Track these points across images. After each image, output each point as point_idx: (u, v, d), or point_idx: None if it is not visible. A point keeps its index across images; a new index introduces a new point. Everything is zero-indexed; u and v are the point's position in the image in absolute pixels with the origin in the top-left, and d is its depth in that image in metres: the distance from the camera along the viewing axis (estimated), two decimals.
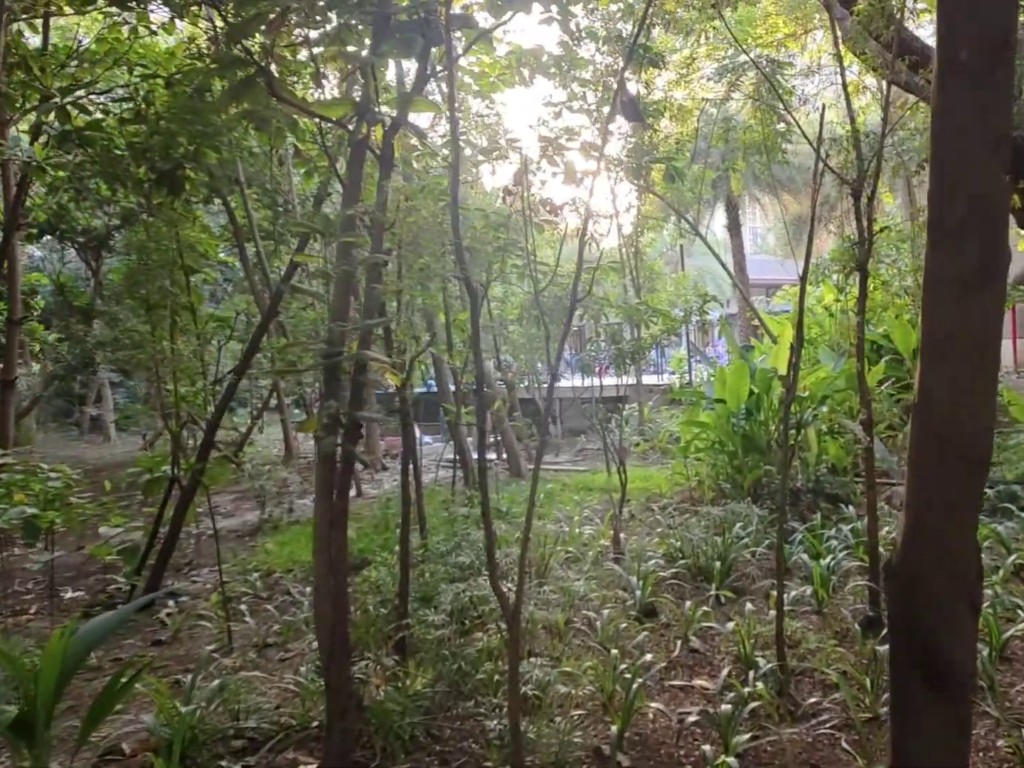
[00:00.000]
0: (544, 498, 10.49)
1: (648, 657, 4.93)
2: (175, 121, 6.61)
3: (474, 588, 5.78)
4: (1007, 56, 2.36)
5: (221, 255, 13.62)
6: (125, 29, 8.03)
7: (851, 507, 8.18)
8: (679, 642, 5.59)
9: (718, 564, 6.78)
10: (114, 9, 7.56)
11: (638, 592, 6.27)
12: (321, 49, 4.88)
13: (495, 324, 13.55)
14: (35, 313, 17.78)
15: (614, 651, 4.87)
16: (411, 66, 5.54)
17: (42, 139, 8.59)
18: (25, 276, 17.58)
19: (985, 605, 4.83)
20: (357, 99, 4.31)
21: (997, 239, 2.39)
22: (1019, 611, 5.48)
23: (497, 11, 4.52)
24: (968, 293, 2.38)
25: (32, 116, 8.83)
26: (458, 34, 4.92)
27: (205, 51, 7.10)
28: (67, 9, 9.15)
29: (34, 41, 10.32)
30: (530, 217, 5.46)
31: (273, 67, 5.54)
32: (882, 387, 10.43)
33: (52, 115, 7.22)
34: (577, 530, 8.48)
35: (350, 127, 4.38)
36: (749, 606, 5.75)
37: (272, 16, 3.93)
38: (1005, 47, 2.35)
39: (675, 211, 16.05)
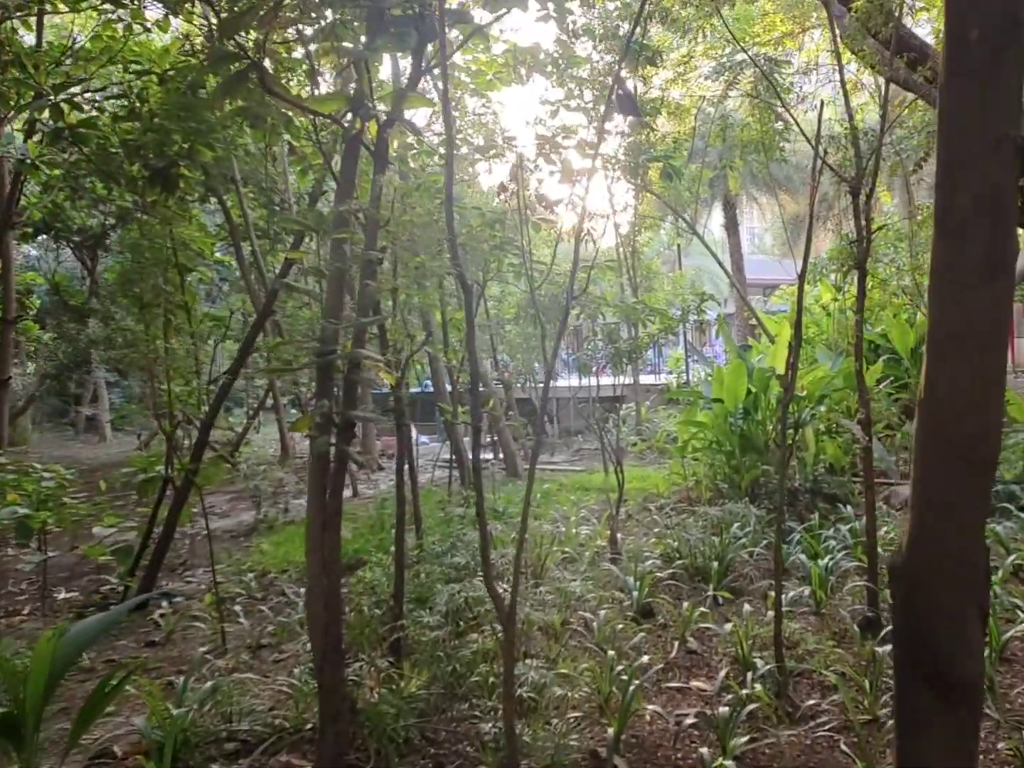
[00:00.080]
0: (541, 498, 10.46)
1: (645, 658, 4.90)
2: (169, 118, 6.55)
3: (470, 589, 5.74)
4: (1018, 36, 2.30)
5: (217, 254, 13.59)
6: (120, 26, 7.96)
7: (849, 507, 8.15)
8: (676, 643, 5.56)
9: (716, 564, 6.74)
10: (108, 6, 7.51)
11: (635, 593, 6.23)
12: (316, 46, 4.87)
13: (492, 323, 13.54)
14: (30, 313, 17.74)
15: (611, 652, 4.84)
16: (408, 64, 5.50)
17: (36, 137, 8.54)
18: (20, 275, 17.54)
19: None
20: (351, 95, 4.27)
21: (1005, 231, 2.34)
22: (1019, 611, 5.45)
23: (493, 6, 4.49)
24: (977, 285, 2.33)
25: (27, 114, 8.77)
26: (455, 33, 4.90)
27: (199, 48, 7.05)
28: (61, 7, 9.09)
29: (29, 39, 10.26)
30: (526, 215, 5.43)
31: (268, 63, 5.53)
32: (880, 386, 10.40)
33: (46, 112, 7.16)
34: (574, 530, 8.44)
35: (344, 123, 4.34)
36: (747, 607, 5.72)
37: (264, 11, 3.88)
38: (1016, 26, 2.30)
39: (672, 210, 16.02)
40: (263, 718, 4.53)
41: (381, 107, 4.44)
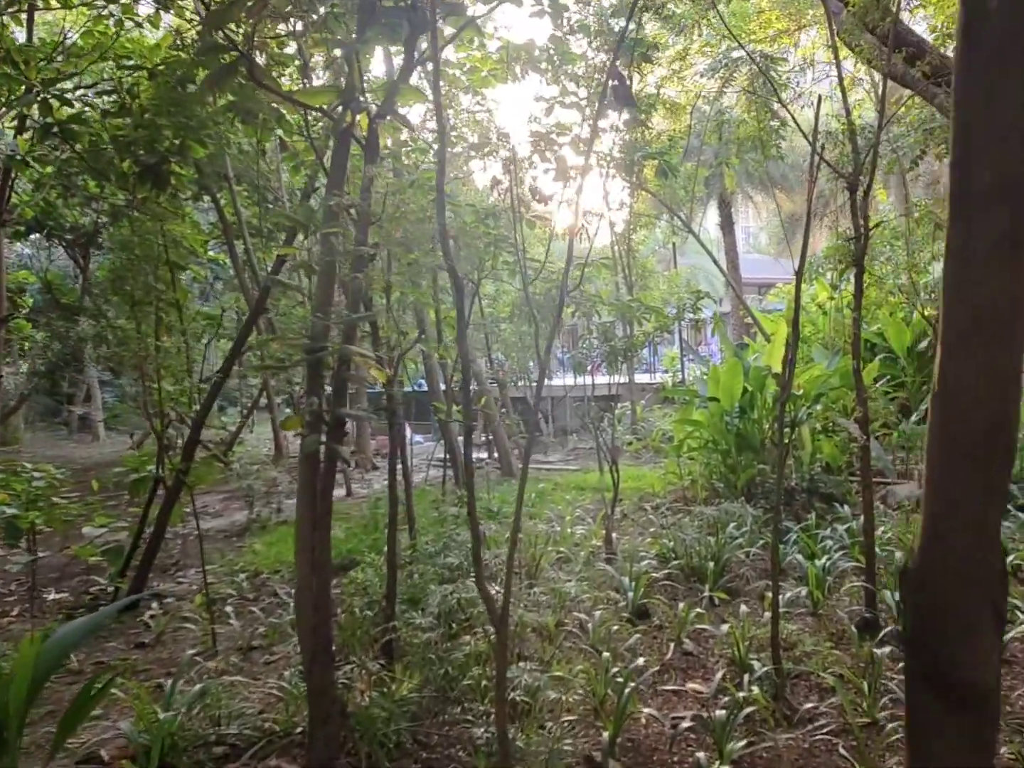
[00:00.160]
0: (535, 497, 10.40)
1: (641, 660, 4.85)
2: (159, 113, 6.48)
3: (463, 590, 5.67)
4: None
5: (211, 252, 13.50)
6: (111, 22, 7.89)
7: (846, 506, 8.11)
8: (672, 645, 5.50)
9: (712, 565, 6.69)
10: (100, 2, 7.45)
11: (630, 593, 6.18)
12: (307, 38, 4.80)
13: (486, 322, 13.47)
14: (23, 311, 17.61)
15: (606, 654, 4.78)
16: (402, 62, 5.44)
17: (27, 134, 8.46)
18: (12, 274, 17.43)
19: None
20: (342, 88, 4.20)
21: None
22: (1018, 612, 5.39)
23: None
24: (996, 266, 2.22)
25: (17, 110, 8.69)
26: (451, 30, 4.84)
27: (190, 42, 6.98)
28: (53, 2, 9.02)
29: (21, 37, 10.17)
30: (519, 211, 5.36)
31: (260, 58, 5.46)
32: (876, 385, 10.36)
33: (35, 108, 7.09)
34: (569, 530, 8.38)
35: (335, 116, 4.27)
36: (743, 608, 5.66)
37: (252, 1, 3.81)
38: None
39: (668, 208, 15.96)
40: (252, 721, 4.46)
41: (373, 101, 4.38)
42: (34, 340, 18.18)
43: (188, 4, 7.40)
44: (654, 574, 6.73)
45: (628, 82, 5.60)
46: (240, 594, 7.40)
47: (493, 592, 4.75)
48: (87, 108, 7.44)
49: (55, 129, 7.04)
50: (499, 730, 3.53)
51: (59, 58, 8.25)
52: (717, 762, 3.76)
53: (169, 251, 7.63)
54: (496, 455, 14.87)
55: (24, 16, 9.74)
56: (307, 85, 5.93)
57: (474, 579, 5.39)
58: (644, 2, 8.02)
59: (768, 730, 4.22)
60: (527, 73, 7.42)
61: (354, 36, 4.21)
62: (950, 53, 8.63)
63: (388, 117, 4.34)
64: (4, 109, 8.70)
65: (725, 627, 5.33)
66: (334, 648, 4.27)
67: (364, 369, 4.25)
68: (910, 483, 9.38)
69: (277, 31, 5.35)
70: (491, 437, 15.13)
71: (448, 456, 11.34)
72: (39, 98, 6.89)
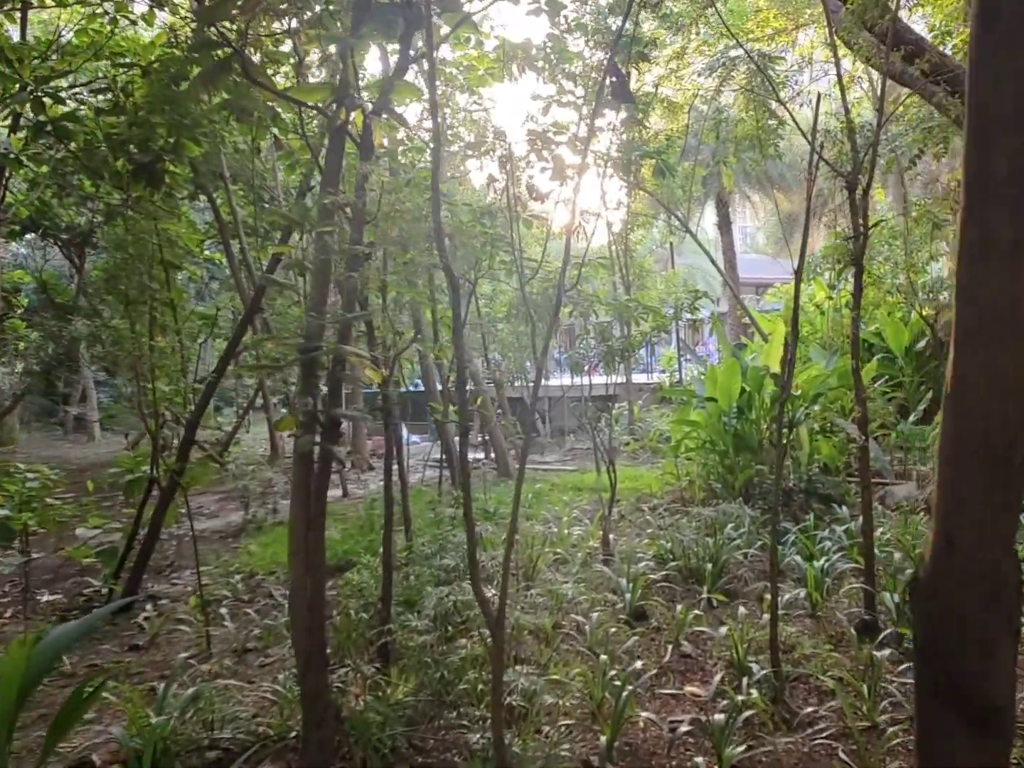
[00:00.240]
0: (532, 498, 10.35)
1: (638, 663, 4.82)
2: (152, 111, 6.43)
3: (458, 592, 5.62)
4: None
5: (207, 252, 13.43)
6: (105, 20, 7.84)
7: (844, 507, 8.07)
8: (670, 647, 5.45)
9: (709, 566, 6.65)
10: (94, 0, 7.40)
11: (628, 595, 6.14)
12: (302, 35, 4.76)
13: (483, 322, 13.43)
14: (18, 311, 17.55)
15: (603, 657, 4.74)
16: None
17: (21, 133, 8.40)
18: (7, 274, 17.37)
19: None
20: (337, 85, 4.16)
21: None
22: None
23: None
24: (1015, 258, 2.14)
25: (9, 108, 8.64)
26: (447, 28, 4.79)
27: (185, 40, 6.93)
28: (48, 1, 8.96)
29: (15, 35, 10.11)
30: (516, 211, 5.32)
31: (256, 56, 5.42)
32: (875, 385, 10.33)
33: (27, 106, 7.03)
34: (566, 531, 8.34)
35: (329, 113, 4.23)
36: (742, 609, 5.64)
37: None
38: None
39: (665, 208, 15.93)
40: (246, 725, 4.41)
41: (368, 98, 4.34)
42: (29, 340, 18.13)
43: (183, 2, 7.35)
44: (652, 575, 6.68)
45: (627, 78, 5.55)
46: (235, 596, 7.35)
47: (489, 595, 4.72)
48: (81, 106, 7.39)
49: (48, 128, 6.98)
50: (495, 735, 3.49)
51: (53, 56, 8.20)
52: (716, 767, 3.71)
53: (164, 250, 7.58)
54: (493, 455, 14.83)
55: (18, 15, 9.69)
56: (301, 81, 5.88)
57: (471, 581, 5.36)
58: (641, 0, 7.97)
59: (767, 734, 4.18)
60: (524, 72, 7.37)
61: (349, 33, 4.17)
62: (949, 51, 8.60)
63: (383, 114, 4.30)
64: None
65: (723, 629, 5.28)
66: (329, 651, 4.23)
67: (359, 369, 4.20)
68: (908, 484, 9.36)
69: (272, 29, 5.31)
70: (488, 437, 15.08)
71: (445, 457, 11.30)
72: (32, 96, 6.83)
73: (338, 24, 4.35)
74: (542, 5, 5.82)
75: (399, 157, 7.25)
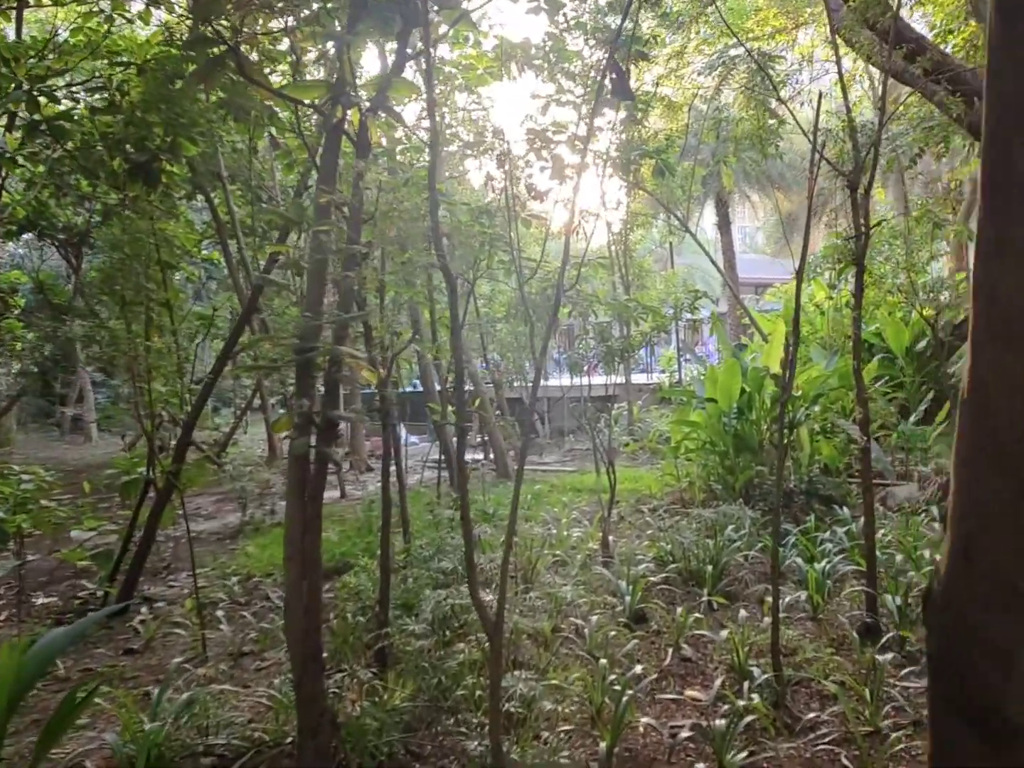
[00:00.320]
0: (531, 500, 10.31)
1: (638, 667, 4.76)
2: (148, 110, 6.39)
3: (457, 595, 5.57)
4: None
5: (205, 252, 13.38)
6: (101, 18, 7.80)
7: (845, 509, 8.01)
8: (670, 650, 5.41)
9: (710, 568, 6.59)
10: None
11: (628, 598, 6.08)
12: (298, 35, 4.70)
13: (482, 322, 13.39)
14: (15, 311, 17.50)
15: (603, 661, 4.69)
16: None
17: (17, 132, 8.36)
18: (4, 274, 17.33)
19: None
20: (333, 82, 4.11)
21: None
22: None
23: None
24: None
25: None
26: (446, 27, 4.75)
27: (180, 38, 6.88)
28: (44, 0, 8.92)
29: (11, 34, 10.07)
30: (515, 210, 5.28)
31: (254, 54, 5.36)
32: (875, 385, 10.29)
33: (23, 105, 6.99)
34: (565, 533, 8.29)
35: (326, 112, 4.18)
36: (742, 612, 5.58)
37: None
38: None
39: (665, 208, 15.89)
40: (241, 731, 4.36)
41: (365, 96, 4.29)
42: (26, 340, 18.09)
43: (179, 0, 7.30)
44: (651, 578, 6.63)
45: (627, 75, 5.50)
46: (232, 598, 7.30)
47: (488, 598, 4.67)
48: (76, 105, 7.34)
49: (43, 127, 6.94)
50: (493, 741, 3.44)
51: (50, 55, 8.15)
52: None
53: (161, 250, 7.52)
54: (492, 456, 14.78)
55: (14, 13, 9.65)
56: (298, 79, 5.83)
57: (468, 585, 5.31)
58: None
59: (769, 739, 4.13)
60: (523, 71, 7.32)
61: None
62: (950, 50, 8.56)
63: (381, 112, 4.25)
64: None
65: (724, 632, 5.23)
66: (325, 655, 4.18)
67: (356, 370, 4.15)
68: (910, 485, 9.31)
69: (268, 27, 5.26)
70: (487, 438, 15.03)
71: (443, 458, 11.25)
72: (27, 95, 6.78)
73: (335, 21, 4.31)
74: (541, 3, 5.77)
75: (397, 156, 7.20)
